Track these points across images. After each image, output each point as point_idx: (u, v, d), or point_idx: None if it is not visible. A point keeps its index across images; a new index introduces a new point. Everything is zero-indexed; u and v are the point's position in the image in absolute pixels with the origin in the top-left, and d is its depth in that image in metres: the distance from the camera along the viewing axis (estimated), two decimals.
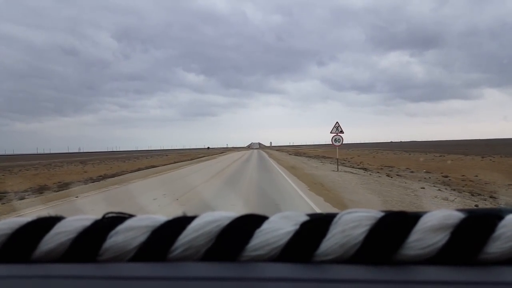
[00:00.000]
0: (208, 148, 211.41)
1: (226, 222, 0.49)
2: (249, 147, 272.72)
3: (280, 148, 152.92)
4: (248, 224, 0.49)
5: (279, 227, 0.48)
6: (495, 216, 0.47)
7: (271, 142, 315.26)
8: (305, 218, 0.50)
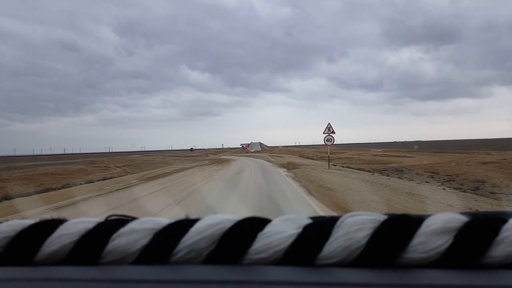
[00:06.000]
0: (192, 149, 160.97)
1: (229, 225, 0.49)
2: (245, 149, 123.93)
3: (289, 150, 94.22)
4: (251, 227, 0.49)
5: (282, 230, 0.48)
6: (499, 219, 0.47)
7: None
8: (308, 221, 0.50)
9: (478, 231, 0.45)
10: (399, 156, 39.99)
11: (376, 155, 44.42)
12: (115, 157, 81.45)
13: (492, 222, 0.46)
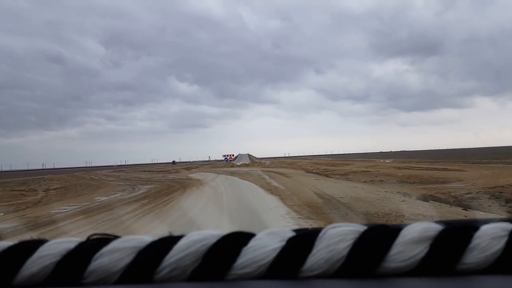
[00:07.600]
0: (174, 162, 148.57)
1: (213, 240, 0.49)
2: (229, 162, 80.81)
3: (283, 162, 71.45)
4: (235, 242, 0.49)
5: (265, 244, 0.48)
6: (471, 227, 0.49)
7: None
8: (292, 234, 0.50)
9: (452, 239, 0.47)
10: (437, 169, 29.66)
11: (399, 168, 33.94)
12: (76, 173, 69.09)
13: (465, 230, 0.48)
